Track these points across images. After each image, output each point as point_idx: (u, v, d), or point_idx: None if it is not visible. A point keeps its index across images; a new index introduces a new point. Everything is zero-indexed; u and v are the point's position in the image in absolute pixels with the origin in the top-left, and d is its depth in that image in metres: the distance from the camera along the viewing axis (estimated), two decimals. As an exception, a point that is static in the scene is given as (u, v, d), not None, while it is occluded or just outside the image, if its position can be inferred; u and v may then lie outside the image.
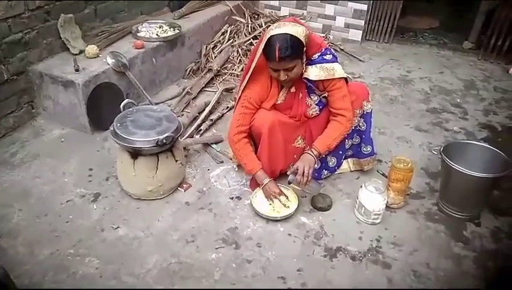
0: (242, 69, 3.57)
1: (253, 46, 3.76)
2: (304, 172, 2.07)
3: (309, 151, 2.15)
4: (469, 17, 4.43)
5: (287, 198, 2.20)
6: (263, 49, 1.98)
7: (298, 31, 1.94)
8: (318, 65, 2.09)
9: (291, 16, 3.64)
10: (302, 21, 2.82)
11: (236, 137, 2.19)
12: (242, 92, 2.19)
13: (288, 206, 2.17)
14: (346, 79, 2.18)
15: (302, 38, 1.95)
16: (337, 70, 2.11)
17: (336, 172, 2.46)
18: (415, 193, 2.37)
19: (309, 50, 2.06)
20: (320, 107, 2.24)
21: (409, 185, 2.23)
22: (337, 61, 2.14)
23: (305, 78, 2.11)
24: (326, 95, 2.19)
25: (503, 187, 2.27)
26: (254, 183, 2.31)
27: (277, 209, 2.16)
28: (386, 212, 2.16)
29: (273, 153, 2.21)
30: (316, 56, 2.10)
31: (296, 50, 1.94)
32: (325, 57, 2.10)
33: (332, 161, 2.39)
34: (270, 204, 2.18)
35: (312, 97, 2.21)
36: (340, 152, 2.38)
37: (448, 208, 2.21)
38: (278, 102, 2.21)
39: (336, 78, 2.11)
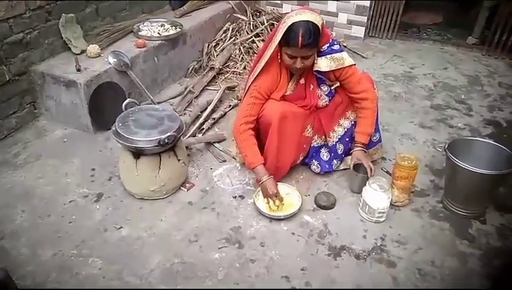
0: (244, 67, 3.56)
1: (255, 44, 3.75)
2: (370, 166, 2.22)
3: (358, 149, 2.26)
4: (473, 12, 4.39)
5: (281, 200, 2.16)
6: (284, 35, 1.97)
7: (317, 19, 1.98)
8: (328, 56, 2.12)
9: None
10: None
11: (243, 127, 2.16)
12: (252, 81, 2.17)
13: (278, 206, 2.13)
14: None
15: (320, 28, 1.98)
16: (346, 58, 2.16)
17: (341, 167, 2.45)
18: (419, 191, 2.35)
19: (320, 41, 2.06)
20: (330, 97, 2.27)
21: (414, 182, 2.22)
22: (344, 50, 2.18)
23: (316, 70, 2.13)
24: (338, 84, 2.22)
25: (508, 184, 2.25)
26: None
27: (272, 208, 2.13)
28: (390, 211, 2.15)
29: (283, 144, 2.20)
30: (325, 47, 2.13)
31: (316, 38, 1.97)
32: (333, 47, 2.14)
33: (340, 148, 2.40)
34: (266, 203, 2.15)
35: (322, 88, 2.23)
36: (347, 139, 2.39)
37: (453, 205, 2.19)
38: (287, 93, 2.21)
39: (346, 66, 2.15)
